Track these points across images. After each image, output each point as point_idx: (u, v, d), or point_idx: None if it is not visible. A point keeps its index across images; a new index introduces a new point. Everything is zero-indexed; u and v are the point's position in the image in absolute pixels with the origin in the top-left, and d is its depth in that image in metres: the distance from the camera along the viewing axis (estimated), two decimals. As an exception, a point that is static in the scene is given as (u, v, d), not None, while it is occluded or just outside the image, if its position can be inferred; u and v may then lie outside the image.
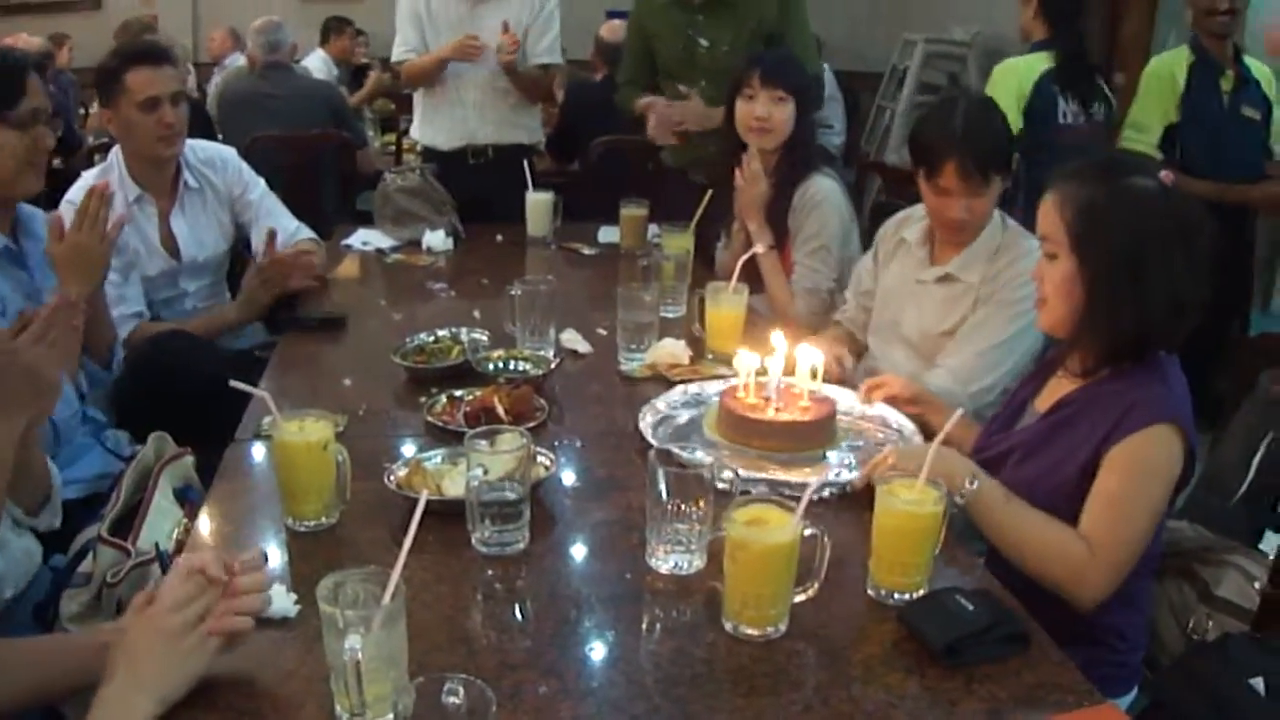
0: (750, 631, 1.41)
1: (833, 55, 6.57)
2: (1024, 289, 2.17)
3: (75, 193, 2.74)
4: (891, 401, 2.12)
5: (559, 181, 4.07)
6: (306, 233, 3.21)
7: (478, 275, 3.20)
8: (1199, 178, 3.60)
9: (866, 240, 2.83)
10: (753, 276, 2.78)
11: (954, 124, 2.24)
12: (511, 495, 1.59)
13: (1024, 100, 3.71)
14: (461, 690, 1.07)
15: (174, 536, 1.77)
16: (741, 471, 1.74)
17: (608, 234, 3.60)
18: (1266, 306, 5.44)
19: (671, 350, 2.40)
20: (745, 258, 2.68)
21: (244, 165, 3.17)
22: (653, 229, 3.41)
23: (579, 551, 1.68)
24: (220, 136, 4.92)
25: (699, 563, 1.57)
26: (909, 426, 2.05)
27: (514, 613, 1.52)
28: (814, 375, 1.99)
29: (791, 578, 1.41)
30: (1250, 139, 4.01)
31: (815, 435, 1.94)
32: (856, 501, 1.76)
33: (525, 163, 3.58)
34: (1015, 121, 3.54)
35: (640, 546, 1.61)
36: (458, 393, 2.13)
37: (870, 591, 1.53)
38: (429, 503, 1.36)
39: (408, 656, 1.24)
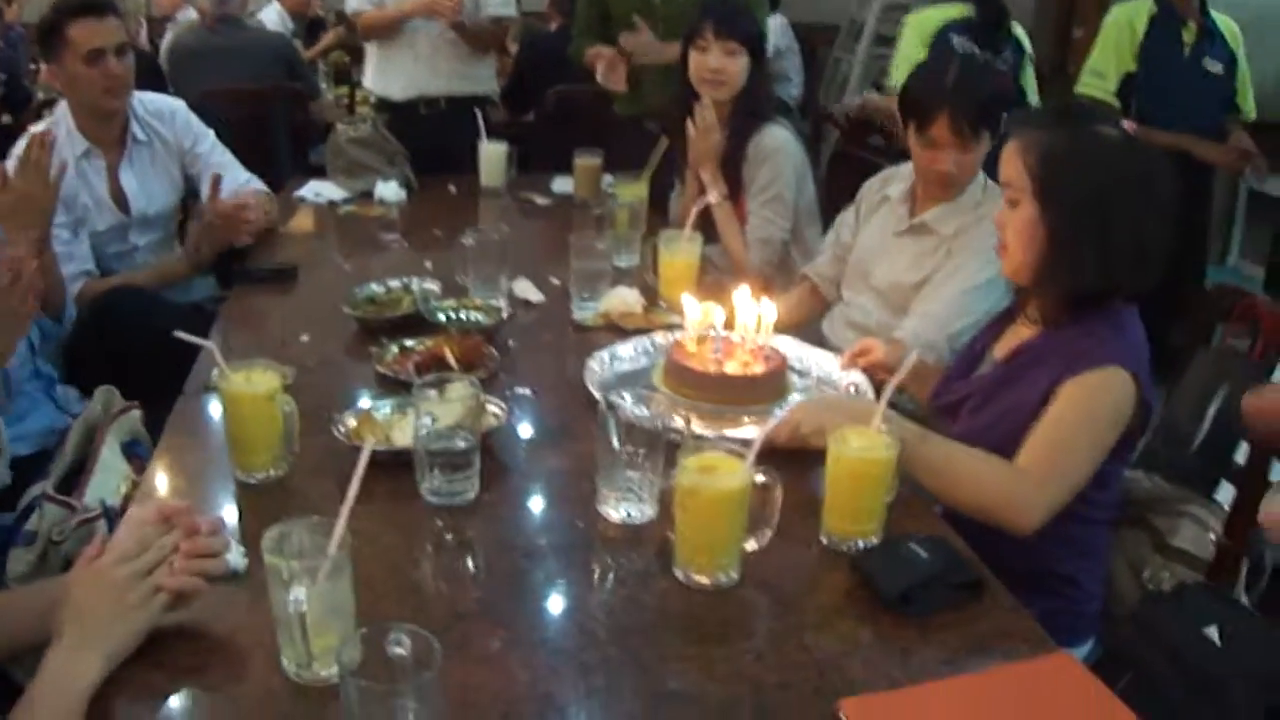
0: (701, 579, 1.41)
1: (790, 7, 6.53)
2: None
3: (21, 147, 2.68)
4: (874, 368, 2.07)
5: (513, 132, 4.02)
6: (257, 184, 3.16)
7: (430, 226, 3.15)
8: (1157, 128, 3.60)
9: (822, 191, 2.81)
10: (708, 228, 2.76)
11: (947, 78, 2.24)
12: (461, 445, 1.57)
13: (926, 50, 3.65)
14: (407, 640, 1.05)
15: (121, 492, 1.75)
16: (692, 424, 1.72)
17: (562, 184, 3.56)
18: (1223, 261, 5.50)
19: (624, 299, 2.38)
20: (699, 208, 2.66)
21: (193, 117, 3.12)
22: (607, 179, 3.37)
23: (531, 501, 1.67)
24: (172, 90, 4.81)
25: (650, 512, 1.57)
26: (863, 383, 2.03)
27: (465, 563, 1.51)
28: (760, 328, 1.97)
29: (742, 525, 1.41)
30: (1211, 92, 4.01)
31: (763, 390, 1.92)
32: (811, 453, 1.72)
33: (479, 113, 3.54)
34: None
35: (592, 495, 1.60)
36: (409, 343, 2.10)
37: (823, 539, 1.53)
38: (377, 453, 1.34)
39: (356, 608, 1.23)
